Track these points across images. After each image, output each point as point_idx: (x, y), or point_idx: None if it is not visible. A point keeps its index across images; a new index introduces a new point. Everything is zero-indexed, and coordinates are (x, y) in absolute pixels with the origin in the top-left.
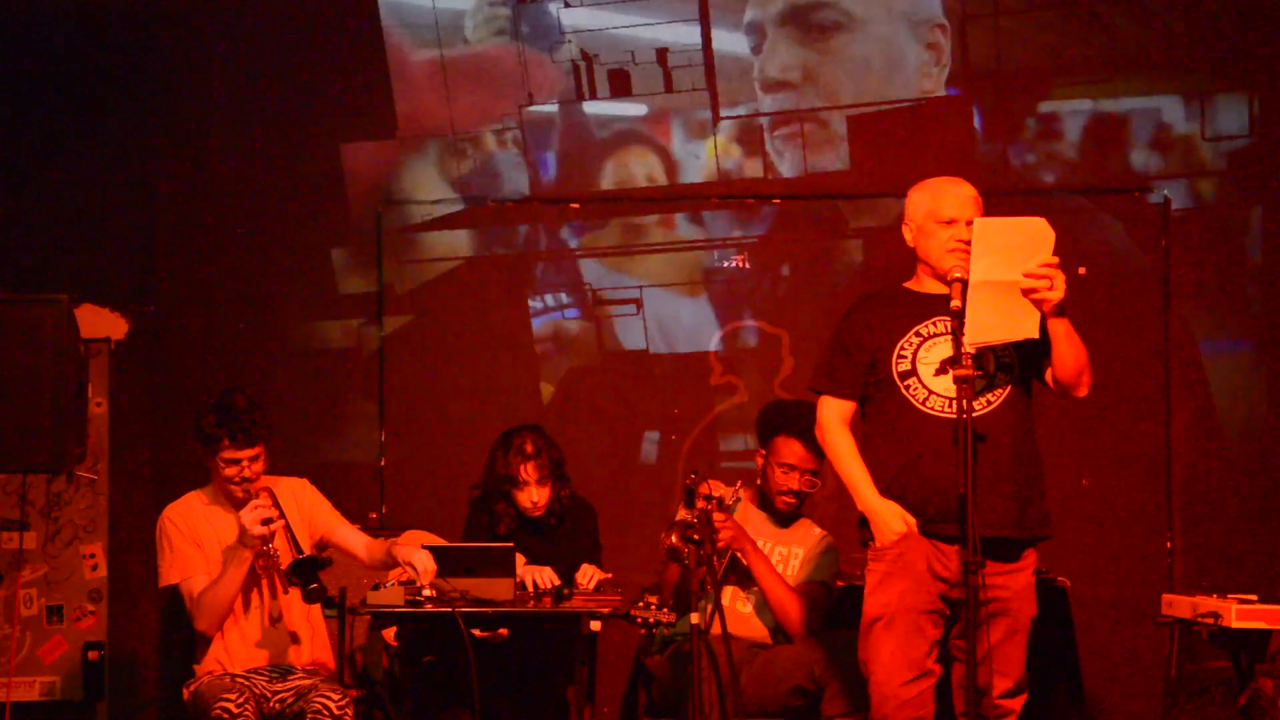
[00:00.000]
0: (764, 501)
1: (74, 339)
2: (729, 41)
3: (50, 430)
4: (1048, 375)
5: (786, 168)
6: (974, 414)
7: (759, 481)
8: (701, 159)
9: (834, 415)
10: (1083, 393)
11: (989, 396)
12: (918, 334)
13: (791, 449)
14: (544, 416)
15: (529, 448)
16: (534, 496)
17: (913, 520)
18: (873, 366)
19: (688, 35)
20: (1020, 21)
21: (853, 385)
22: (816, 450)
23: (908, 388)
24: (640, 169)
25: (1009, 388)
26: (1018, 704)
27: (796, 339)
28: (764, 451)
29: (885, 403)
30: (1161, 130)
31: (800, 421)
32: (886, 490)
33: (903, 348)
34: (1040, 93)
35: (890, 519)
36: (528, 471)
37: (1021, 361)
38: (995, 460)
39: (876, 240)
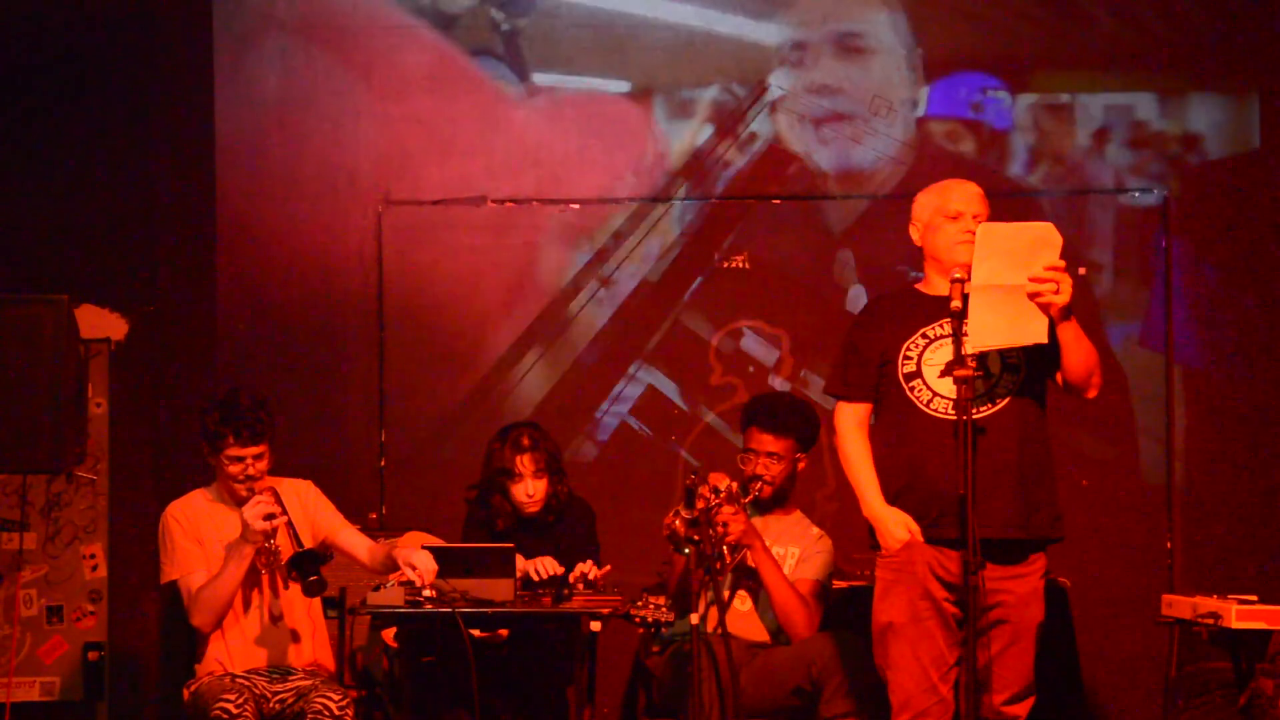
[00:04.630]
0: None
1: (74, 339)
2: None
3: (50, 430)
4: (1058, 376)
5: (825, 159)
6: (979, 416)
7: None
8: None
9: (849, 420)
10: (1092, 394)
11: (995, 398)
12: (924, 336)
13: (752, 435)
14: (544, 416)
15: (525, 441)
16: (529, 489)
17: (916, 528)
18: (882, 368)
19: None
20: (1022, 19)
21: (866, 388)
22: (786, 435)
23: (912, 389)
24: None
25: (1016, 389)
26: (1023, 709)
27: (796, 339)
28: None
29: (891, 405)
30: (1163, 130)
31: (765, 408)
32: (893, 496)
33: (909, 349)
34: (1042, 91)
35: (894, 527)
36: (524, 464)
37: (1030, 363)
38: (1000, 462)
39: (877, 241)
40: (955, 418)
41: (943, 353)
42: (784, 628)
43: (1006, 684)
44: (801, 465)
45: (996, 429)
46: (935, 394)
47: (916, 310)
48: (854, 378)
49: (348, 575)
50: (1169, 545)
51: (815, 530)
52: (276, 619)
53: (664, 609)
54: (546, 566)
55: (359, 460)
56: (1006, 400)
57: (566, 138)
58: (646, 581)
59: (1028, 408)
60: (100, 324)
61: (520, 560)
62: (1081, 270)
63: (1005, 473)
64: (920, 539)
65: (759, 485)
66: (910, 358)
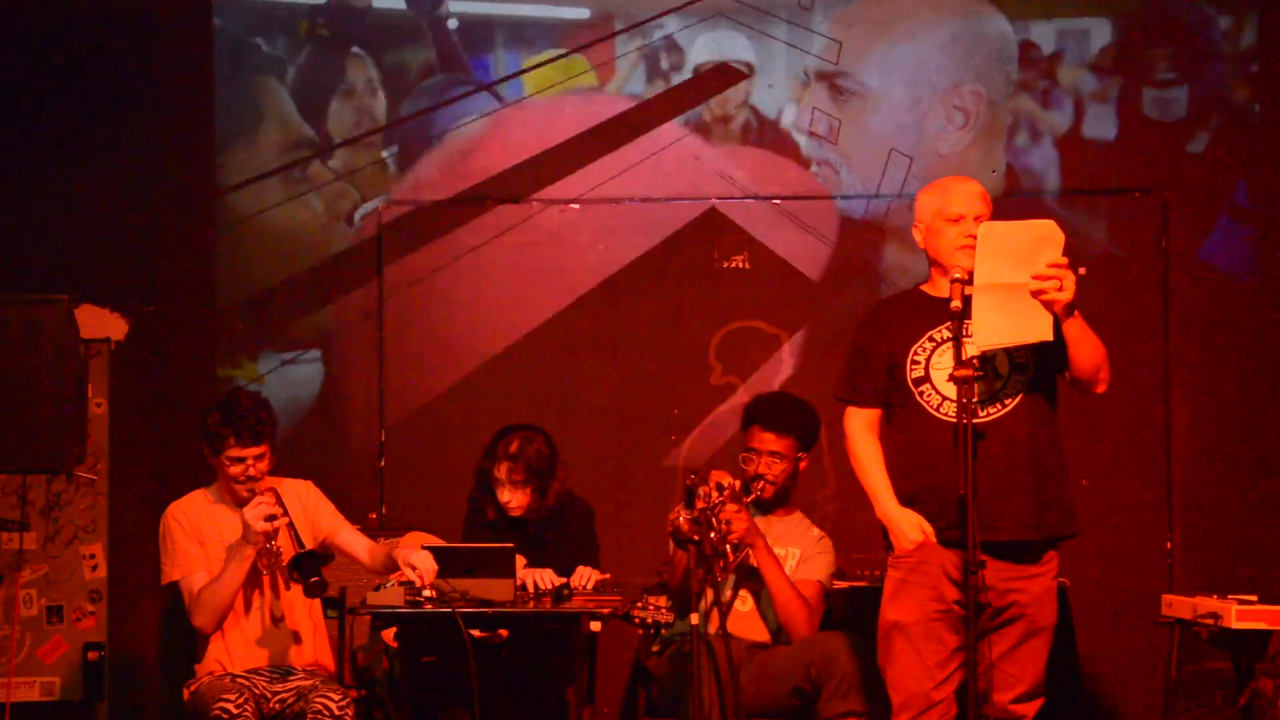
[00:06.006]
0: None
1: (74, 339)
2: None
3: (50, 430)
4: (1066, 373)
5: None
6: (988, 417)
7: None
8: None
9: (859, 424)
10: (1102, 389)
11: (1003, 398)
12: (931, 339)
13: (754, 434)
14: (544, 416)
15: (513, 448)
16: (506, 496)
17: (930, 529)
18: (890, 372)
19: None
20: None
21: (874, 393)
22: (788, 434)
23: (921, 394)
24: None
25: (1024, 389)
26: (1031, 709)
27: (796, 339)
28: None
29: (901, 409)
30: (1163, 131)
31: (768, 408)
32: (906, 499)
33: (916, 353)
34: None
35: (908, 528)
36: (501, 471)
37: (1037, 361)
38: (1011, 463)
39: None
40: (965, 421)
41: (950, 356)
42: (785, 628)
43: (1016, 682)
44: (803, 465)
45: (1007, 430)
46: (944, 398)
47: (922, 313)
48: (862, 382)
49: (348, 575)
50: (1169, 545)
51: (816, 531)
52: (278, 620)
53: (664, 609)
54: (545, 580)
55: (359, 460)
56: (1016, 400)
57: (567, 136)
58: (646, 581)
59: (1037, 406)
60: (100, 324)
61: (519, 568)
62: (1081, 270)
63: (1017, 473)
64: (935, 540)
65: (761, 485)
66: (918, 362)
